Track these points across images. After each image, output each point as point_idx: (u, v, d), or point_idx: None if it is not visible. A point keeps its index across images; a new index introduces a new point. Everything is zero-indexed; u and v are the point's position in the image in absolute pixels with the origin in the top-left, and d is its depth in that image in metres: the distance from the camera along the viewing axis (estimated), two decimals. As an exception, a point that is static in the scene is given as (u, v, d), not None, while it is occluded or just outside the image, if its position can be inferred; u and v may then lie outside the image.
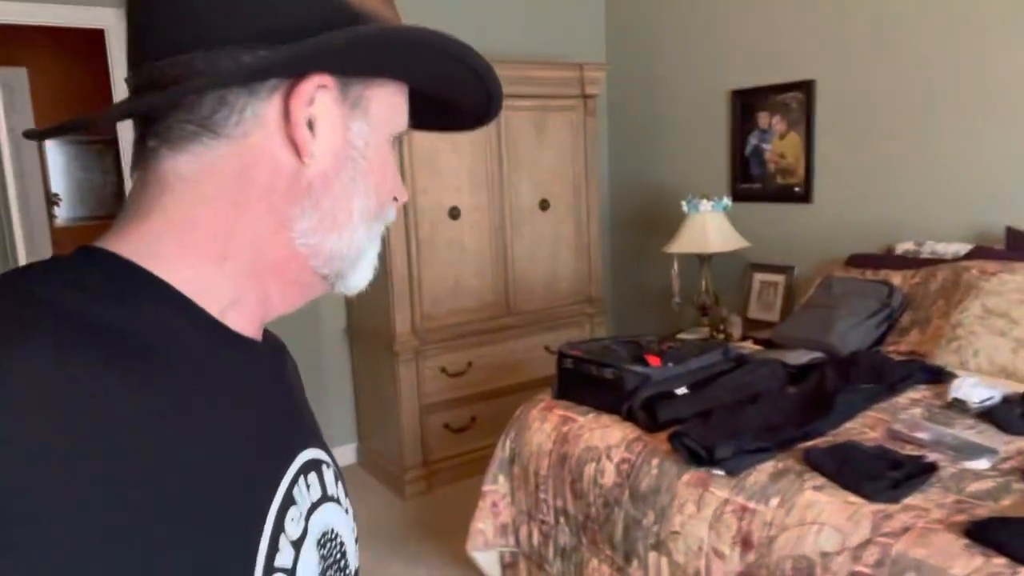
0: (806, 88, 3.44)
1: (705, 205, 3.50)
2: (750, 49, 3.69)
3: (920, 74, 3.03)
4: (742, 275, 3.85)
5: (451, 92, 0.57)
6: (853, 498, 1.50)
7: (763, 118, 3.66)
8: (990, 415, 1.85)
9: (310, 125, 0.49)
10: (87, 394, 0.39)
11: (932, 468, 1.55)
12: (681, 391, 2.07)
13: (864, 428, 1.84)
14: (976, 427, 1.84)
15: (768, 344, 2.74)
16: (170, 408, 0.43)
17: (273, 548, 0.47)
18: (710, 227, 3.49)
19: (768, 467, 1.65)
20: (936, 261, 2.78)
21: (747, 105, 3.72)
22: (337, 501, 0.59)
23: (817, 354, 2.35)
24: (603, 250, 4.06)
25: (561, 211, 3.72)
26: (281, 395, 0.57)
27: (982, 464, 1.60)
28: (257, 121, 0.49)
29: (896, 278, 2.72)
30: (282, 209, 0.50)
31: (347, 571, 0.58)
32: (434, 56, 0.52)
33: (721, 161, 3.90)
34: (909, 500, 1.47)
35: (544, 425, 2.16)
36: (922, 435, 1.73)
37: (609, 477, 1.89)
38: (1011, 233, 2.68)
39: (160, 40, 0.48)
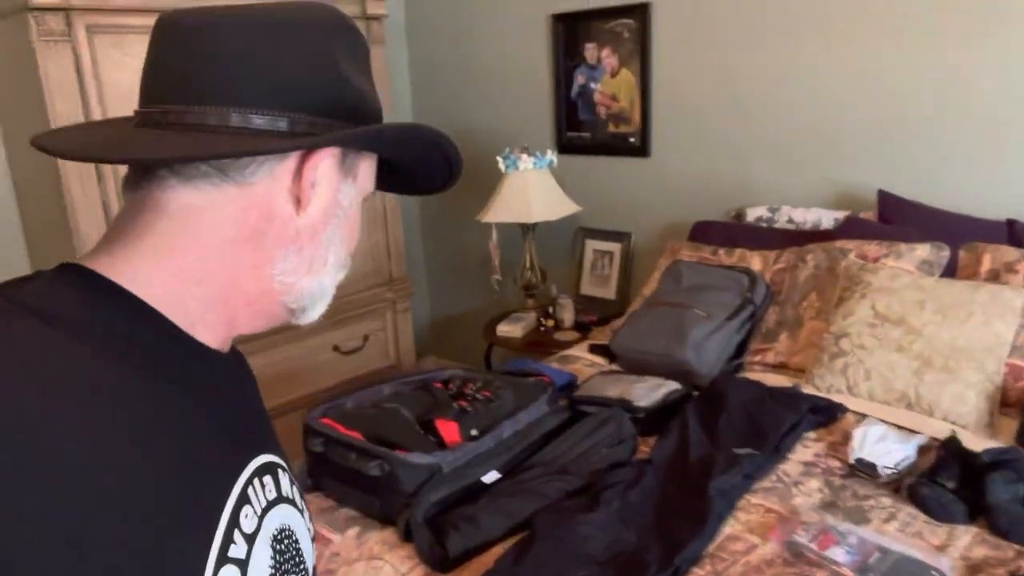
0: (640, 13, 2.77)
1: (526, 162, 2.79)
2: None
3: (775, 7, 2.45)
4: (572, 242, 3.23)
5: (415, 165, 0.67)
6: None
7: (591, 51, 2.97)
8: (911, 492, 1.33)
9: (313, 184, 0.56)
10: (52, 402, 0.43)
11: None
12: (491, 478, 1.37)
13: (752, 537, 1.25)
14: (898, 512, 1.30)
15: (607, 354, 2.12)
16: (136, 412, 0.47)
17: (228, 540, 0.50)
18: (533, 189, 2.80)
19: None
20: (797, 235, 2.26)
21: (572, 34, 3.01)
22: (292, 503, 0.61)
23: (672, 385, 1.75)
24: (405, 218, 3.26)
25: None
26: (241, 403, 0.61)
27: (932, 611, 1.05)
28: (269, 174, 0.54)
29: (755, 261, 2.18)
30: (267, 250, 0.55)
31: (302, 567, 0.60)
32: (422, 144, 0.63)
33: (544, 104, 3.19)
34: None
35: (286, 541, 1.39)
36: (837, 554, 1.16)
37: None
38: (885, 199, 2.20)
39: (183, 85, 0.53)
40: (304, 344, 2.80)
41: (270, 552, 0.55)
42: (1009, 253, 1.82)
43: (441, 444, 1.41)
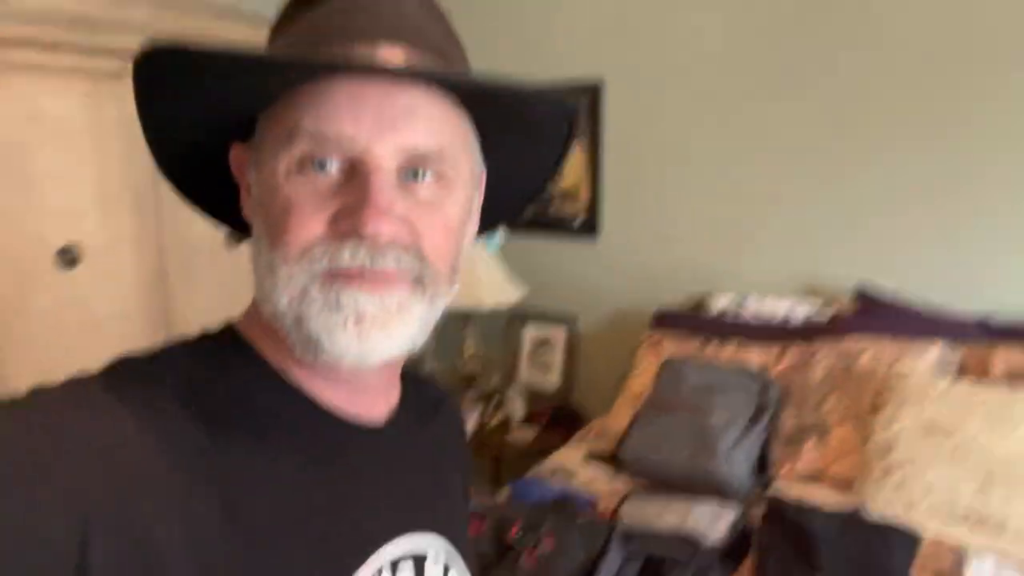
0: (592, 92, 2.65)
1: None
2: (519, 34, 2.79)
3: (738, 81, 2.41)
4: (507, 327, 2.96)
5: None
6: None
7: (534, 124, 2.78)
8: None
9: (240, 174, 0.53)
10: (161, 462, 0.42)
11: None
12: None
13: None
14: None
15: (614, 462, 1.85)
16: (241, 492, 0.44)
17: None
18: (481, 272, 2.52)
19: None
20: (777, 331, 2.15)
21: (513, 105, 2.81)
22: None
23: (731, 510, 1.51)
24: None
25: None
26: (383, 478, 0.54)
27: None
28: None
29: (754, 357, 2.03)
30: None
31: None
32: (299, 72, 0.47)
33: (477, 176, 2.94)
34: None
35: None
36: None
37: None
38: (863, 291, 2.16)
39: None
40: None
41: None
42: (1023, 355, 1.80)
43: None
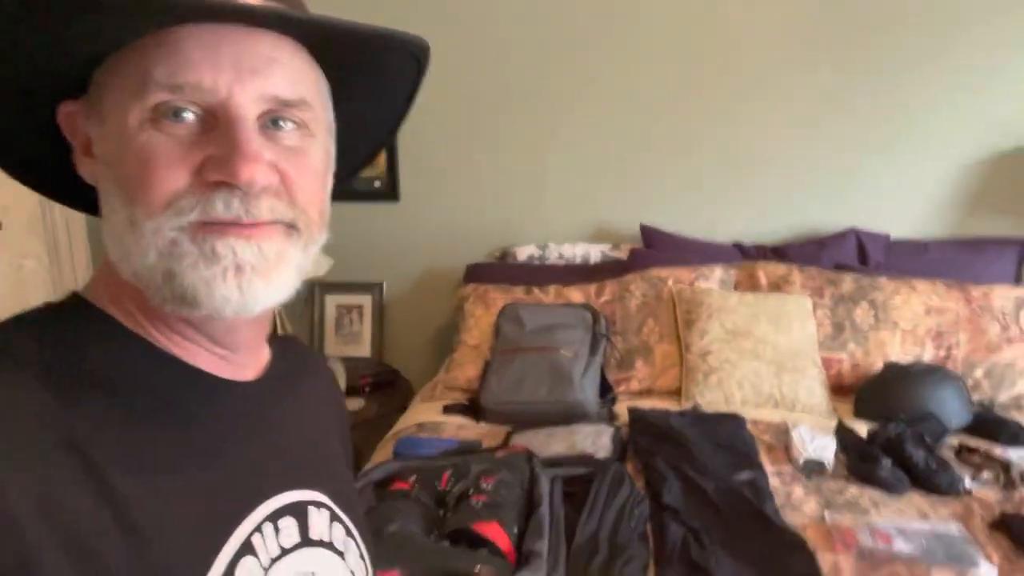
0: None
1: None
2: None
3: (529, 46, 2.57)
4: (307, 299, 2.86)
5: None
6: None
7: (318, 87, 2.69)
8: (868, 476, 1.54)
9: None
10: (18, 441, 0.39)
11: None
12: (561, 580, 1.15)
13: (825, 555, 1.29)
14: (876, 497, 1.49)
15: (475, 412, 1.94)
16: (107, 455, 0.42)
17: None
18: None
19: None
20: (584, 269, 2.41)
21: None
22: (328, 545, 0.54)
23: (604, 428, 1.69)
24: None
25: (20, 232, 2.05)
26: (257, 434, 0.53)
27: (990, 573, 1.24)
28: None
29: (576, 296, 2.25)
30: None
31: None
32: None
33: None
34: None
35: None
36: (901, 547, 1.28)
37: None
38: (646, 230, 2.49)
39: None
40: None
41: None
42: (778, 269, 2.23)
43: (496, 553, 1.12)
